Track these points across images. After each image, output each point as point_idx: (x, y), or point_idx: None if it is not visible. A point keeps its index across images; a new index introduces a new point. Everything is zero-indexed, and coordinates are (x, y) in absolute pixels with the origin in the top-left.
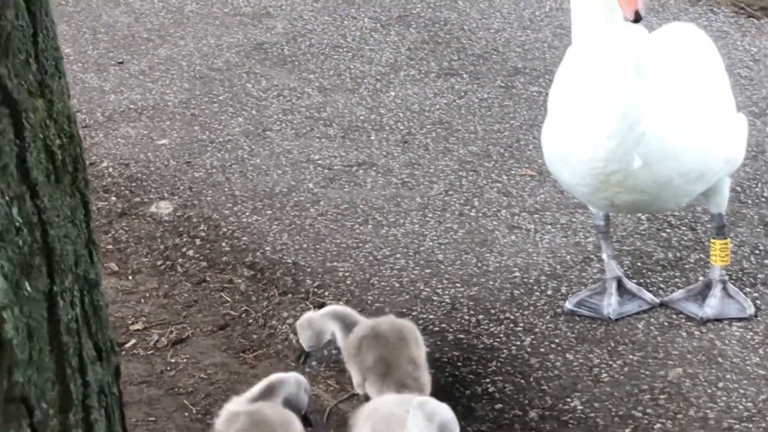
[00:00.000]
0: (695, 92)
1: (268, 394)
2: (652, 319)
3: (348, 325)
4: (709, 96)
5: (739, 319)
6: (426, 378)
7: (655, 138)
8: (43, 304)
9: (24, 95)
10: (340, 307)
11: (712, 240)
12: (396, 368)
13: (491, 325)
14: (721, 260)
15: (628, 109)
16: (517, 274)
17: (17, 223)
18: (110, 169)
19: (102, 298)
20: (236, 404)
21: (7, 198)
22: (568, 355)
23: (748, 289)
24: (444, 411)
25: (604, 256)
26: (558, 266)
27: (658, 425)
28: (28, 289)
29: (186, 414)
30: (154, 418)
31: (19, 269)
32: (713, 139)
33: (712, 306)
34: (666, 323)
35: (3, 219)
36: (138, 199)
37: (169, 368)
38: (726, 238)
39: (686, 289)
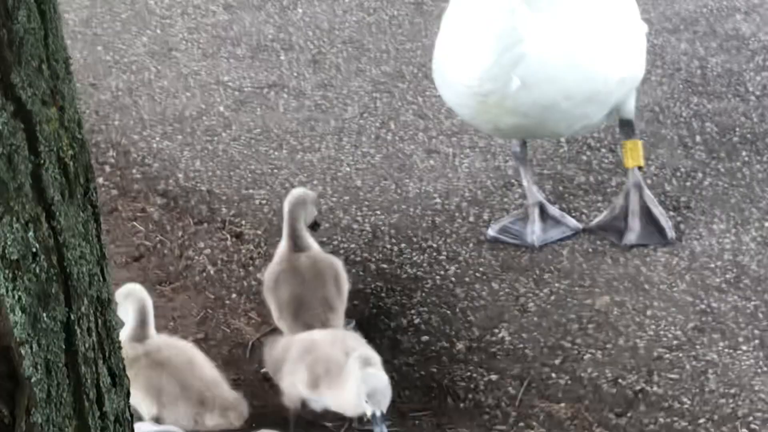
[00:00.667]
0: (586, 13)
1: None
2: (576, 246)
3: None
4: (602, 16)
5: (664, 245)
6: (338, 320)
7: (534, 59)
8: (60, 335)
9: (38, 105)
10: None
11: (623, 142)
12: (307, 309)
13: (414, 254)
14: (633, 161)
15: (505, 28)
16: (438, 200)
17: (34, 249)
18: None
19: (114, 316)
20: None
21: (22, 221)
22: (493, 284)
23: (671, 213)
24: (380, 379)
25: (524, 182)
26: (479, 191)
27: (588, 355)
28: (46, 320)
29: None
30: None
31: (36, 299)
32: (601, 61)
33: (634, 230)
34: (590, 250)
35: (20, 245)
36: None
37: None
38: (636, 138)
39: (608, 210)
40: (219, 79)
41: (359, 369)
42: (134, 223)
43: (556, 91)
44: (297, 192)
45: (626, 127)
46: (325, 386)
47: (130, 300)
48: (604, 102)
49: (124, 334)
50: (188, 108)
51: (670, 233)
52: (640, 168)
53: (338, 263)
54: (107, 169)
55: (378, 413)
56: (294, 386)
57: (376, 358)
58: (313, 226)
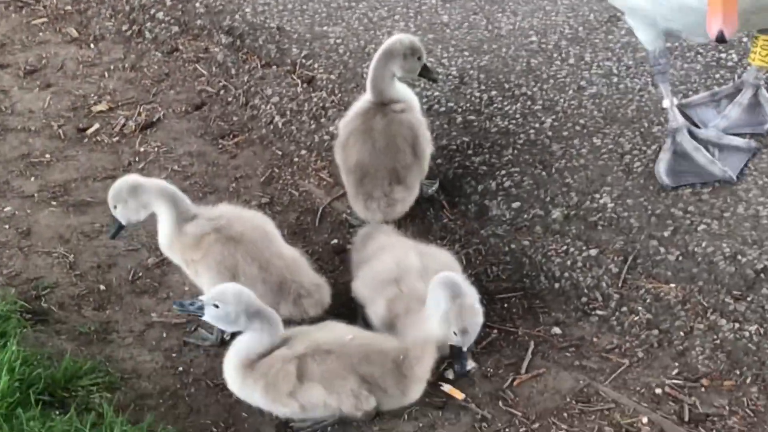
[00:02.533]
0: None
1: None
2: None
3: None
4: None
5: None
6: (408, 193)
7: None
8: None
9: None
10: None
11: (756, 35)
12: (371, 179)
13: (506, 103)
14: (761, 59)
15: None
16: (534, 38)
17: None
18: None
19: None
20: None
21: None
22: (594, 140)
23: None
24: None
25: (666, 103)
26: (580, 28)
27: (702, 226)
28: None
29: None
30: None
31: None
32: None
33: (728, 117)
34: None
35: None
36: None
37: (138, 159)
38: None
39: (710, 92)
40: None
41: (450, 300)
42: (196, 65)
43: None
44: (391, 40)
45: None
46: (401, 324)
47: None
48: None
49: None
50: None
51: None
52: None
53: (421, 123)
54: (168, 2)
55: (465, 348)
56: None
57: (467, 288)
58: (426, 75)
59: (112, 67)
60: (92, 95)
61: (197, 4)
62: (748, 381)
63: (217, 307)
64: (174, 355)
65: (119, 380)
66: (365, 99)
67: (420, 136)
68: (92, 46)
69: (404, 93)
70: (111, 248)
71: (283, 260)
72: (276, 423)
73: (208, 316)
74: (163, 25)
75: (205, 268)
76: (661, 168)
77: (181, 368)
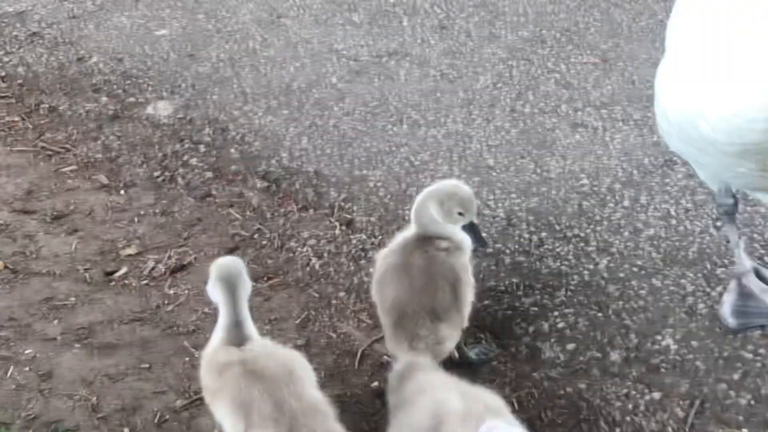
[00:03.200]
0: None
1: None
2: (755, 235)
3: None
4: None
5: None
6: (451, 331)
7: None
8: None
9: None
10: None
11: None
12: (410, 319)
13: (557, 244)
14: None
15: None
16: (585, 181)
17: None
18: (101, 65)
19: None
20: None
21: None
22: (654, 281)
23: None
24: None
25: (733, 245)
26: (635, 171)
27: None
28: None
29: (187, 359)
30: (147, 365)
31: None
32: None
33: None
34: None
35: None
36: (133, 99)
37: (167, 302)
38: None
39: None
40: (332, 47)
41: None
42: (230, 210)
43: None
44: (444, 182)
45: None
46: None
47: (221, 284)
48: None
49: (217, 334)
50: (296, 79)
51: None
52: None
53: (465, 267)
54: (201, 149)
55: None
56: None
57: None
58: (472, 235)
59: (142, 212)
60: (121, 239)
61: (231, 150)
62: None
63: None
64: None
65: None
66: (409, 231)
67: (461, 280)
68: (122, 192)
69: (452, 231)
70: (137, 390)
71: (300, 403)
72: None
73: None
74: (196, 171)
75: (220, 400)
76: (726, 309)
77: None
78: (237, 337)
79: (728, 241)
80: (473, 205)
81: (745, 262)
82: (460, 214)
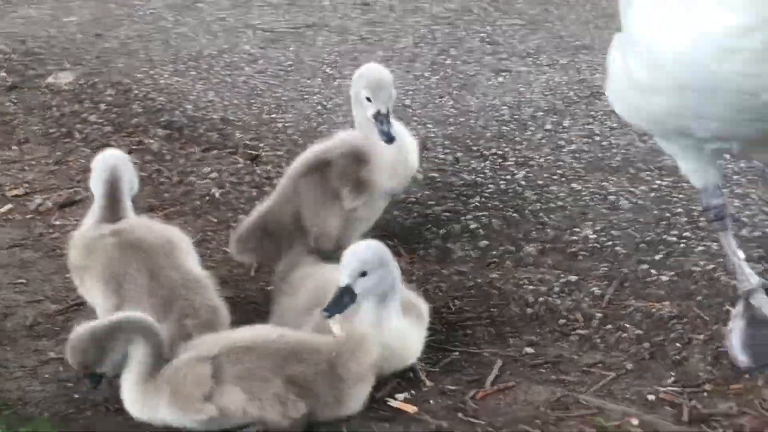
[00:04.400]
0: None
1: None
2: None
3: None
4: None
5: None
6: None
7: None
8: None
9: None
10: None
11: None
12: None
13: (473, 162)
14: None
15: None
16: (506, 111)
17: None
18: (2, 47)
19: None
20: None
21: None
22: (574, 185)
23: None
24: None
25: (731, 257)
26: (558, 102)
27: (701, 248)
28: None
29: (67, 275)
30: (25, 281)
31: None
32: None
33: None
34: None
35: None
36: (33, 71)
37: (52, 231)
38: None
39: None
40: (248, 23)
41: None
42: (128, 156)
43: None
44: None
45: None
46: None
47: (99, 168)
48: None
49: (89, 216)
50: (208, 48)
51: None
52: None
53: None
54: (102, 107)
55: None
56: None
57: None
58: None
59: (33, 163)
60: (8, 184)
61: (134, 106)
62: (759, 384)
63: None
64: (70, 385)
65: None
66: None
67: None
68: (14, 147)
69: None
70: (10, 301)
71: (179, 273)
72: None
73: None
74: (95, 126)
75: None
76: (735, 342)
77: (77, 395)
78: (112, 216)
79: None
80: (382, 91)
81: (750, 278)
82: (369, 99)
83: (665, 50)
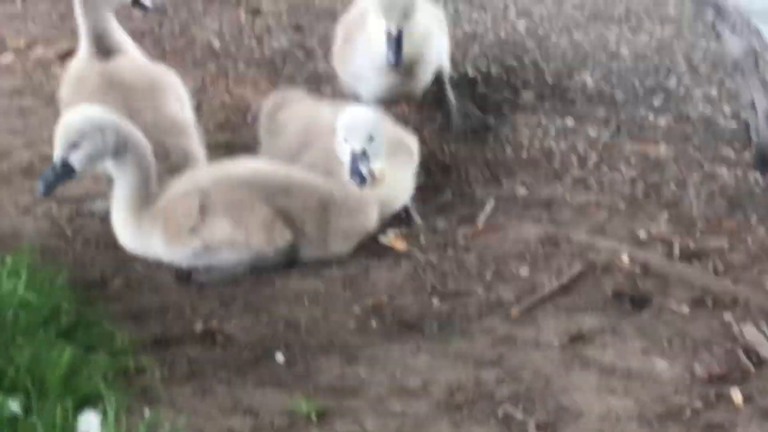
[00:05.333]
0: None
1: None
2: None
3: None
4: None
5: None
6: None
7: None
8: None
9: None
10: None
11: None
12: None
13: (474, 12)
14: None
15: None
16: None
17: None
18: None
19: None
20: None
21: None
22: (575, 35)
23: None
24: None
25: None
26: None
27: (699, 93)
28: None
29: None
30: (22, 126)
31: None
32: None
33: None
34: None
35: None
36: None
37: (52, 80)
38: None
39: None
40: None
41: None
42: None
43: None
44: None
45: None
46: None
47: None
48: None
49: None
50: None
51: None
52: None
53: None
54: None
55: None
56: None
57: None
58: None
59: (36, 17)
60: (11, 38)
61: None
62: (753, 222)
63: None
64: (62, 222)
65: None
66: None
67: None
68: (17, 1)
69: None
70: (5, 144)
71: (156, 116)
72: (176, 272)
73: (77, 163)
74: None
75: None
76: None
77: (69, 232)
78: (103, 50)
79: None
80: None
81: None
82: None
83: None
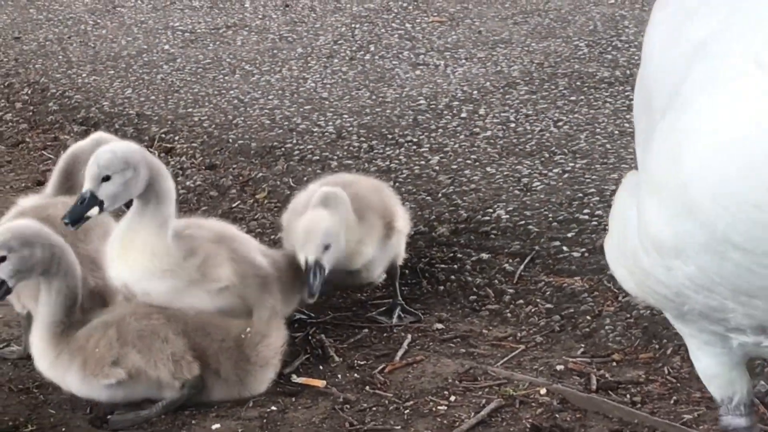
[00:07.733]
0: None
1: None
2: (598, 129)
3: None
4: None
5: None
6: None
7: None
8: None
9: None
10: None
11: None
12: None
13: (387, 149)
14: None
15: None
16: (423, 101)
17: None
18: None
19: None
20: None
21: None
22: (488, 169)
23: None
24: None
25: None
26: (475, 92)
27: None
28: None
29: None
30: None
31: None
32: None
33: None
34: (616, 132)
35: None
36: None
37: None
38: None
39: None
40: (168, 25)
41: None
42: (43, 152)
43: None
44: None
45: None
46: None
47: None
48: None
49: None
50: (127, 49)
51: None
52: None
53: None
54: (18, 105)
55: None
56: None
57: None
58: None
59: None
60: None
61: (50, 104)
62: (668, 352)
63: (4, 258)
64: None
65: None
66: None
67: None
68: None
69: None
70: None
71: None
72: (89, 417)
73: (3, 274)
74: (10, 124)
75: None
76: None
77: None
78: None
79: None
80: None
81: None
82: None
83: (705, 188)
